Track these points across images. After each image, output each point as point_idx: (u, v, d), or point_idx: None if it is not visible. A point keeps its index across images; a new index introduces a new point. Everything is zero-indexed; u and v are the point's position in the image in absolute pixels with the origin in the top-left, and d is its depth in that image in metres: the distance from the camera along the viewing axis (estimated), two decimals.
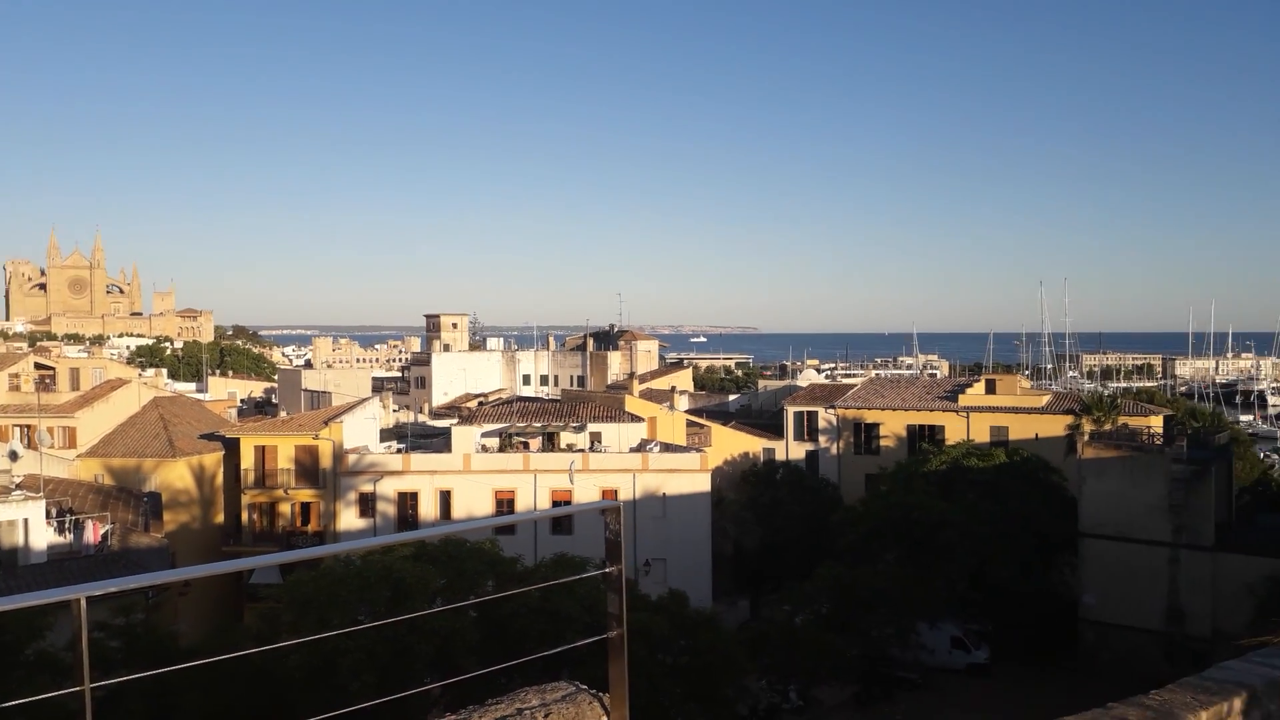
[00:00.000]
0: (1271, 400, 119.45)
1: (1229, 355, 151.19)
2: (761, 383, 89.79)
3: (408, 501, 48.35)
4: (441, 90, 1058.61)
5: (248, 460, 49.15)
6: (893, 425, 59.86)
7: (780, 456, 60.83)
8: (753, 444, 61.85)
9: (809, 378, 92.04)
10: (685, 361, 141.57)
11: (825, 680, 34.53)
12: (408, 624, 22.56)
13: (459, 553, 28.80)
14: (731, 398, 79.86)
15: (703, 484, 48.34)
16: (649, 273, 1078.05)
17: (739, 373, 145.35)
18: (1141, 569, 38.93)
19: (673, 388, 73.19)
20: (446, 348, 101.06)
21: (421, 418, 68.73)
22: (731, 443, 61.20)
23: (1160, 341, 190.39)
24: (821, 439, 61.73)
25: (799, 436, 62.33)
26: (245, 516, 49.37)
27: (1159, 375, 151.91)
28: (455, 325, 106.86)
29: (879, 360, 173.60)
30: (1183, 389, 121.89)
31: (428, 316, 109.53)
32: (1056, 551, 42.52)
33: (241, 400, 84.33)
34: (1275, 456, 69.75)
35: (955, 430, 56.71)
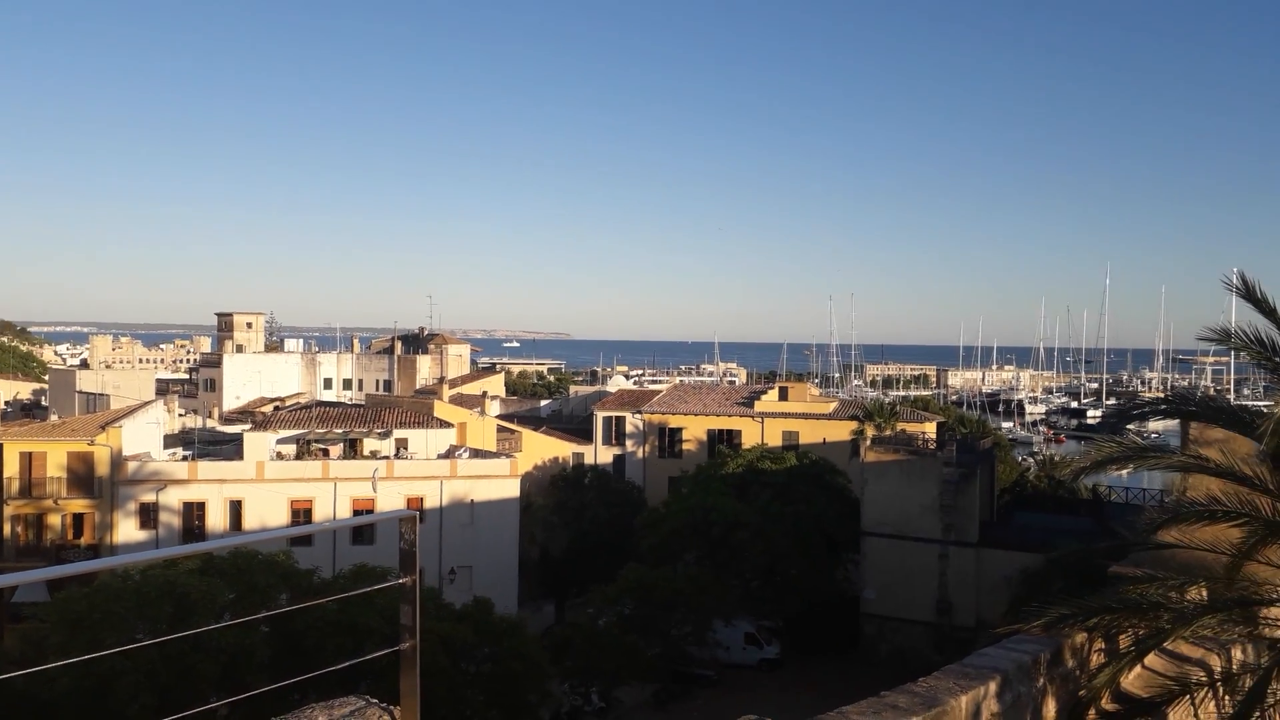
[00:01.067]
0: (1029, 409, 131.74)
1: (994, 367, 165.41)
2: (573, 388, 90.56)
3: (194, 512, 45.67)
4: (240, 75, 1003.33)
5: (11, 468, 45.02)
6: (694, 430, 61.99)
7: (589, 461, 61.65)
8: (563, 449, 62.41)
9: (618, 384, 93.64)
10: (498, 366, 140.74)
11: (627, 681, 35.40)
12: (192, 642, 21.55)
13: (250, 565, 27.66)
14: (543, 403, 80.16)
15: (512, 490, 48.35)
16: (462, 276, 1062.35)
17: (551, 378, 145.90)
18: (916, 565, 42.22)
19: (484, 393, 72.66)
20: (240, 349, 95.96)
21: (211, 423, 65.03)
22: (542, 448, 61.51)
23: (935, 354, 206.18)
24: (628, 443, 63.06)
25: (607, 441, 63.42)
26: (8, 529, 45.17)
27: (933, 385, 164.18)
28: (250, 325, 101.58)
29: (683, 367, 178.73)
30: (953, 398, 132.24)
31: (219, 315, 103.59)
32: (842, 549, 45.38)
33: (6, 402, 76.87)
34: (1031, 460, 77.05)
35: (751, 435, 59.36)
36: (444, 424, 52.63)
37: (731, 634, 41.54)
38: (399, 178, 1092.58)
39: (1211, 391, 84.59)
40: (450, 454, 49.61)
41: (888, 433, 48.45)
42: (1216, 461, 11.51)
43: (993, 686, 8.61)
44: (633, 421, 63.18)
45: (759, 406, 61.51)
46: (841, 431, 56.07)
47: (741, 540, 42.81)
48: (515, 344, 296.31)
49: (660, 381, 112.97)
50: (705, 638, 39.09)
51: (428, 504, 46.27)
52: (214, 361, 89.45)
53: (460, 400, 65.86)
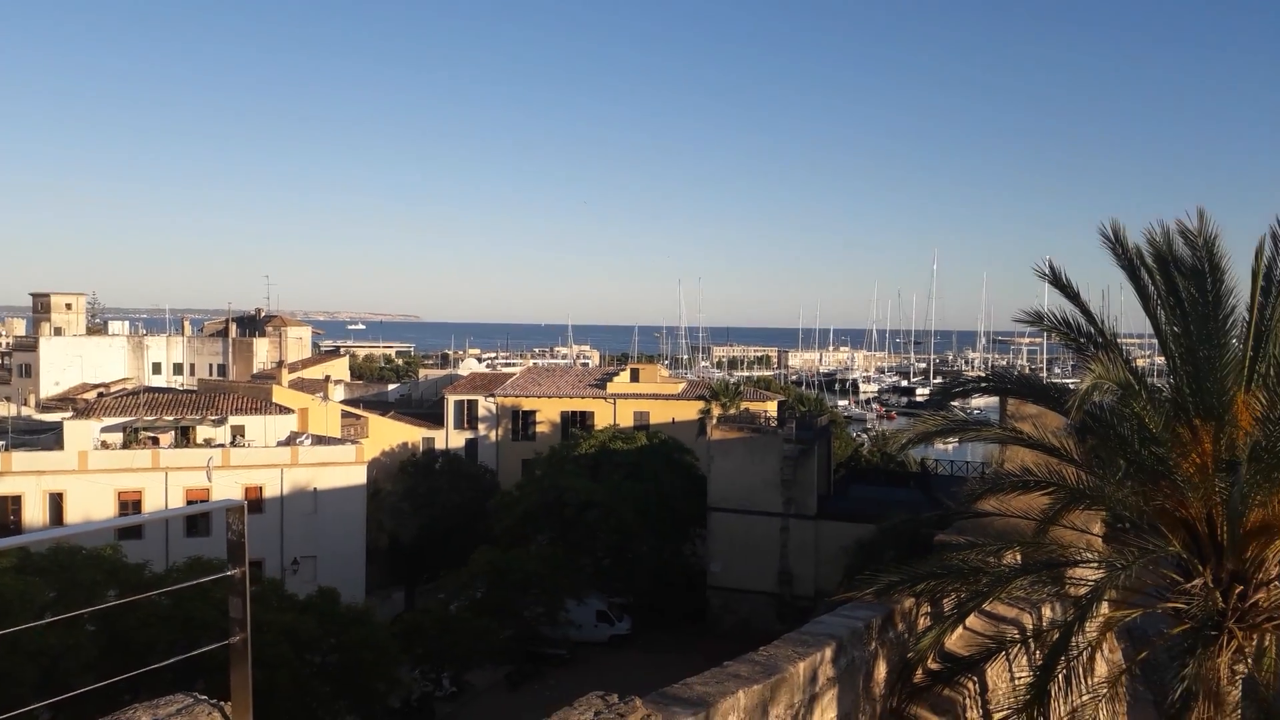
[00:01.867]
0: (863, 387, 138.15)
1: (831, 349, 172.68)
2: (422, 372, 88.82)
3: (8, 506, 42.44)
4: (45, 30, 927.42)
5: None
6: (548, 412, 62.05)
7: (440, 446, 60.79)
8: (412, 434, 61.24)
9: (470, 366, 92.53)
10: (342, 350, 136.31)
11: (479, 664, 35.29)
12: (7, 644, 20.13)
13: (72, 561, 26.02)
14: (391, 387, 78.33)
15: (358, 477, 47.15)
16: (302, 254, 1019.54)
17: (399, 361, 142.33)
18: (759, 538, 43.82)
19: (327, 377, 70.40)
20: (58, 331, 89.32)
21: (27, 411, 60.48)
22: (390, 433, 60.19)
23: (777, 336, 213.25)
24: (481, 427, 62.53)
25: (459, 425, 62.71)
26: None
27: (775, 365, 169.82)
28: (70, 306, 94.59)
29: (537, 350, 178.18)
30: (794, 378, 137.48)
31: (35, 295, 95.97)
32: (690, 525, 46.56)
33: None
34: (864, 436, 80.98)
35: (604, 416, 59.96)
36: (284, 410, 50.74)
37: (583, 612, 42.00)
38: (232, 147, 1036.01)
39: (1027, 370, 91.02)
40: (291, 441, 47.89)
41: (733, 412, 49.86)
42: (1029, 434, 12.51)
43: (829, 652, 9.16)
44: (485, 405, 62.64)
45: (611, 388, 62.10)
46: (690, 411, 57.33)
47: (594, 519, 43.29)
48: (361, 326, 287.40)
49: (514, 364, 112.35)
50: (558, 617, 39.39)
51: (268, 493, 44.59)
52: (29, 345, 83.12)
53: (301, 385, 63.56)
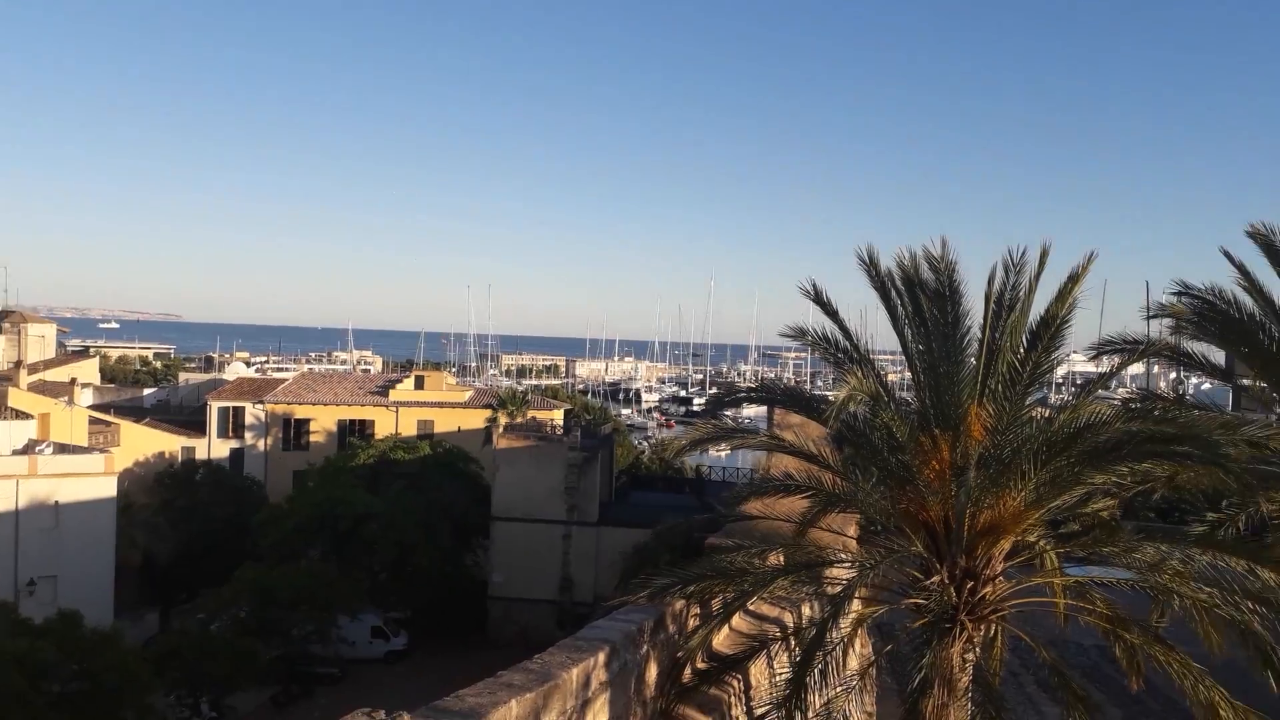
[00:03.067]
0: (645, 397, 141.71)
1: (616, 359, 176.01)
2: (183, 376, 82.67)
3: None
4: None
5: None
6: (324, 421, 59.47)
7: (202, 455, 56.89)
8: (170, 443, 56.94)
9: (237, 371, 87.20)
10: (92, 350, 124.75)
11: (241, 687, 33.25)
12: None
13: None
14: (147, 392, 72.38)
15: (106, 489, 43.26)
16: (49, 244, 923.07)
17: (158, 364, 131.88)
18: (541, 546, 43.93)
19: (73, 380, 64.26)
20: None
21: None
22: (145, 442, 55.70)
23: (565, 345, 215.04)
24: (249, 436, 59.09)
25: (223, 434, 59.04)
26: None
27: (563, 374, 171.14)
28: None
29: (313, 354, 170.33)
30: (580, 387, 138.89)
31: None
32: (473, 535, 45.99)
33: None
34: (645, 444, 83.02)
35: (385, 425, 58.16)
36: (21, 415, 45.92)
37: (358, 628, 40.53)
38: None
39: (793, 382, 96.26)
40: (29, 450, 43.36)
41: (519, 420, 49.76)
42: (790, 442, 13.28)
43: (602, 657, 9.33)
44: (254, 412, 59.26)
45: (394, 395, 60.35)
46: (477, 420, 56.65)
47: (371, 532, 41.86)
48: (114, 325, 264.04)
49: (287, 369, 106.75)
50: (329, 635, 37.78)
51: (0, 507, 40.16)
52: None
53: (43, 388, 57.67)
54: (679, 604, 11.62)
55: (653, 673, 10.74)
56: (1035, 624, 12.51)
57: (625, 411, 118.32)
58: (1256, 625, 9.44)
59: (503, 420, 49.31)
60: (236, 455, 58.34)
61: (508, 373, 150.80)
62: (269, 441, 59.05)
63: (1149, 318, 16.95)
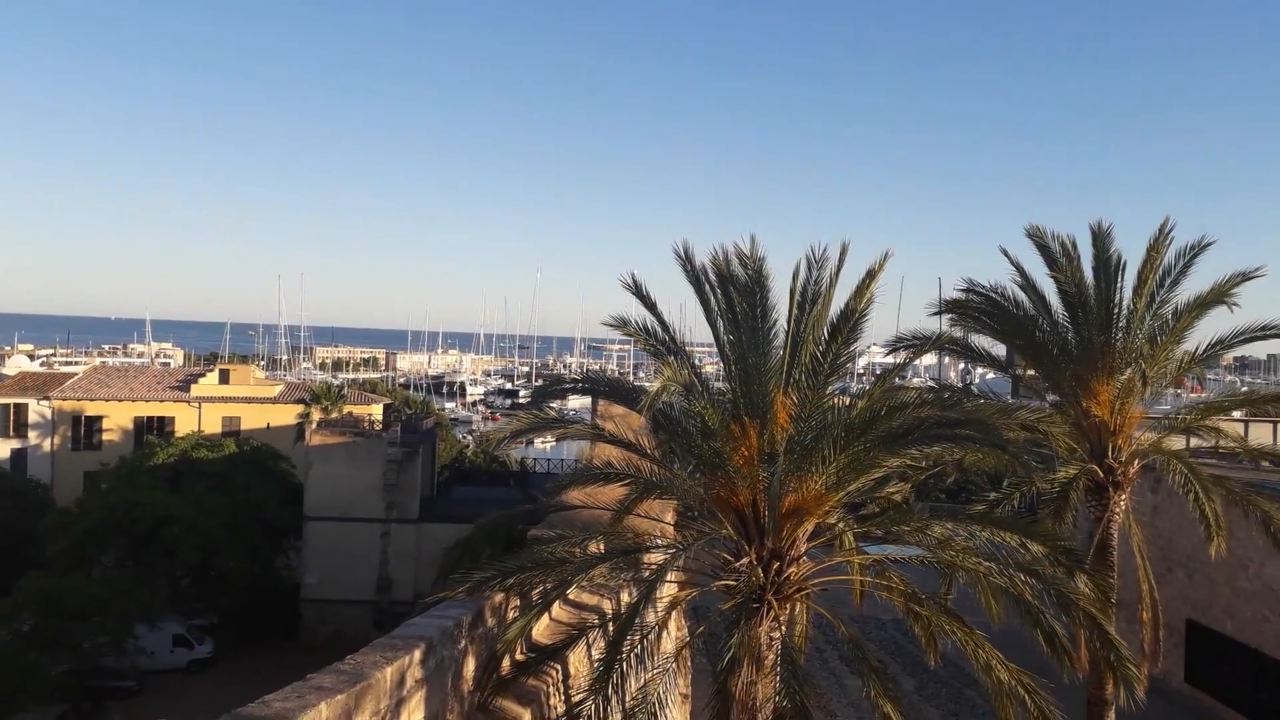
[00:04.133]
0: (470, 390, 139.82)
1: (439, 351, 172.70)
2: None
3: None
4: None
5: None
6: (119, 418, 55.44)
7: None
8: None
9: (20, 364, 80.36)
10: None
11: (24, 706, 30.56)
12: None
13: None
14: None
15: None
16: None
17: None
18: (358, 545, 42.60)
19: None
20: None
21: None
22: None
23: (386, 338, 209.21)
24: (33, 435, 54.46)
25: (5, 433, 54.27)
26: None
27: (383, 368, 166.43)
28: None
29: (106, 347, 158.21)
30: (402, 380, 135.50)
31: None
32: (285, 536, 44.03)
33: None
34: (469, 437, 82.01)
35: (187, 421, 54.80)
36: None
37: (158, 637, 38.00)
38: None
39: (617, 373, 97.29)
40: None
41: (335, 416, 48.04)
42: (610, 432, 13.46)
43: (417, 654, 9.15)
44: (38, 409, 54.57)
45: (196, 390, 56.90)
46: (288, 415, 54.23)
47: (172, 536, 39.35)
48: None
49: (77, 363, 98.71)
50: (125, 646, 35.27)
51: None
52: None
53: None
54: (498, 597, 11.57)
55: (470, 667, 10.65)
56: (839, 601, 13.22)
57: (449, 405, 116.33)
58: (1028, 594, 10.33)
59: (316, 416, 47.46)
60: (19, 456, 53.63)
61: (322, 366, 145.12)
62: (56, 441, 54.57)
63: (938, 313, 18.22)
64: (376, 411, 53.40)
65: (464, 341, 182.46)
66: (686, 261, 12.86)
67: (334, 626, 41.17)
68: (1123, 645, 11.29)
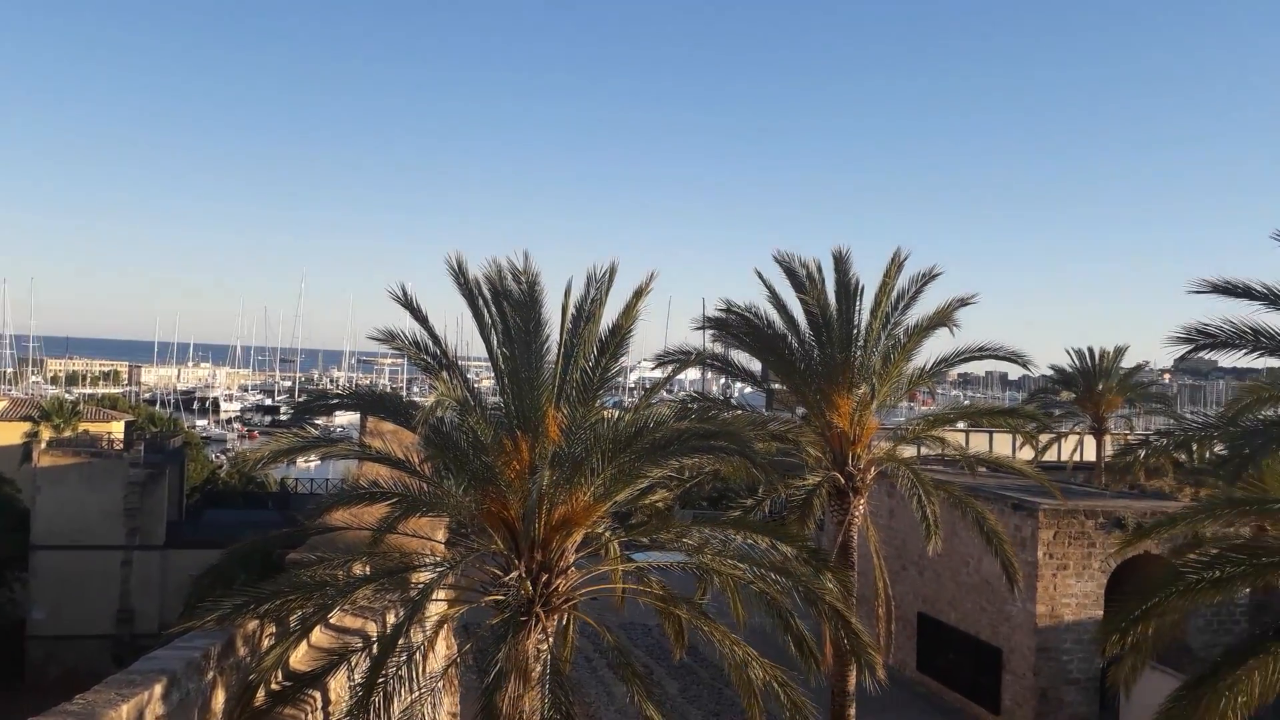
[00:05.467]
0: (225, 406, 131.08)
1: (190, 364, 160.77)
2: None
3: None
4: None
5: None
6: None
7: None
8: None
9: None
10: None
11: None
12: None
13: None
14: None
15: None
16: None
17: None
18: (95, 576, 38.94)
19: None
20: None
21: None
22: None
23: (130, 349, 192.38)
24: None
25: None
26: None
27: (126, 382, 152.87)
28: None
29: None
30: (147, 395, 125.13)
31: None
32: (6, 568, 39.56)
33: None
34: (223, 457, 76.95)
35: None
36: None
37: None
38: None
39: (389, 389, 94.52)
40: None
41: (68, 434, 43.72)
42: (378, 449, 13.16)
43: (158, 689, 8.55)
44: None
45: None
46: (13, 435, 48.68)
47: None
48: None
49: None
50: None
51: None
52: None
53: None
54: (252, 625, 11.02)
55: (220, 700, 10.08)
56: (608, 609, 13.56)
57: (201, 423, 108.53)
58: (778, 594, 11.06)
59: (46, 435, 43.03)
60: None
61: (54, 380, 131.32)
62: None
63: (700, 329, 19.14)
64: (117, 429, 49.00)
65: (218, 354, 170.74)
66: (460, 275, 12.83)
67: (66, 664, 37.35)
68: (865, 634, 12.30)
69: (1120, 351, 41.66)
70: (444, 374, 12.50)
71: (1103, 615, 23.46)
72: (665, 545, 12.29)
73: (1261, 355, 9.82)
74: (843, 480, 18.01)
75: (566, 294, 12.64)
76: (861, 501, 18.33)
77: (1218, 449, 24.31)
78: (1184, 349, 9.98)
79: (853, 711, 17.89)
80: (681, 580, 13.19)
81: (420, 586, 11.33)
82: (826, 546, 18.55)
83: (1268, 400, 11.84)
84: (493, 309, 12.72)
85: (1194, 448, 29.93)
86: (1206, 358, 12.46)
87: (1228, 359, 11.09)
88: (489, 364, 13.37)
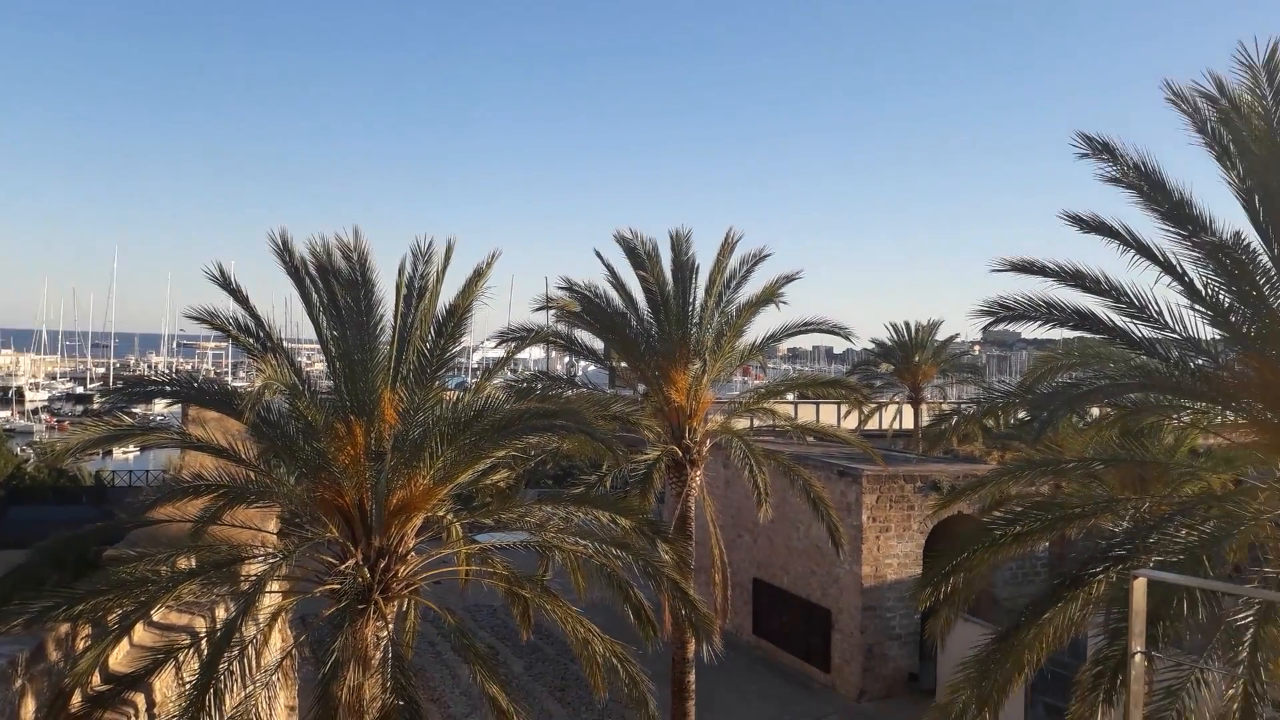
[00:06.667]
0: (30, 395, 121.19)
1: None
2: None
3: None
4: None
5: None
6: None
7: None
8: None
9: None
10: None
11: None
12: None
13: None
14: None
15: None
16: None
17: None
18: None
19: None
20: None
21: None
22: None
23: None
24: None
25: None
26: None
27: None
28: None
29: None
30: None
31: None
32: None
33: None
34: (29, 450, 71.22)
35: None
36: None
37: None
38: None
39: (213, 374, 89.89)
40: None
41: None
42: (201, 438, 12.55)
43: None
44: None
45: None
46: None
47: None
48: None
49: None
50: None
51: None
52: None
53: None
54: (64, 628, 10.36)
55: (29, 709, 9.45)
56: (453, 592, 13.47)
57: (3, 414, 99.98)
58: (619, 567, 11.29)
59: None
60: None
61: None
62: None
63: (542, 309, 19.16)
64: None
65: (20, 339, 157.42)
66: (284, 252, 12.37)
67: None
68: (701, 603, 12.73)
69: (935, 325, 44.37)
70: (270, 357, 12.04)
71: (921, 573, 25.10)
72: (509, 525, 12.30)
73: (1054, 326, 10.70)
74: (680, 453, 18.48)
75: (401, 272, 12.40)
76: (698, 473, 18.87)
77: (1020, 415, 26.35)
78: (986, 321, 10.76)
79: (692, 678, 18.46)
80: (527, 559, 13.24)
81: (252, 579, 10.93)
82: (667, 518, 19.03)
83: (1061, 368, 13.03)
84: (320, 288, 12.33)
85: (1000, 414, 32.32)
86: (1010, 330, 13.49)
87: (1028, 331, 12.02)
88: (319, 347, 12.96)
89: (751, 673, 28.20)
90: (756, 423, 22.48)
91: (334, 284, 12.15)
